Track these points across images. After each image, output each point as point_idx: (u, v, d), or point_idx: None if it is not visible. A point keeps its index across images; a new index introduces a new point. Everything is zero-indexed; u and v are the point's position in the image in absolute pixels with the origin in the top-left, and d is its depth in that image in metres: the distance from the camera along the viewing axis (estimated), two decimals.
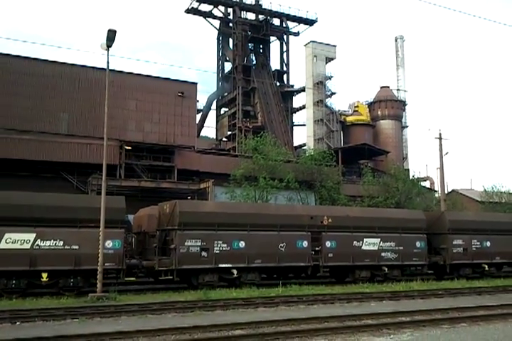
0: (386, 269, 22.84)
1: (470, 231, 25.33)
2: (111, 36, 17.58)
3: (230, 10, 65.12)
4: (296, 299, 16.01)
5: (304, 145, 65.02)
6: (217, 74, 67.61)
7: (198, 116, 57.19)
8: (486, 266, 25.52)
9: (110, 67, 18.73)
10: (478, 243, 25.51)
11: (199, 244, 19.06)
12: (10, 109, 33.11)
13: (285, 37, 67.40)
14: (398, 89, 77.10)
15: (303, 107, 67.94)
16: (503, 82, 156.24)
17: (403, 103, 75.48)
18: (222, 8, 65.13)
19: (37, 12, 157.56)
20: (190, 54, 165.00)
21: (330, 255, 21.65)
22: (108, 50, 18.05)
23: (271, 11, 64.98)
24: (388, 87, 76.08)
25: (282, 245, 20.58)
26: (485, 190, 47.54)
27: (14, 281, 16.61)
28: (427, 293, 18.19)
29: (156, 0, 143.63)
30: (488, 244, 25.76)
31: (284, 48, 67.39)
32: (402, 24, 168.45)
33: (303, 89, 66.73)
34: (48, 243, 16.94)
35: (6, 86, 33.56)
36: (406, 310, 13.61)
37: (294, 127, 68.64)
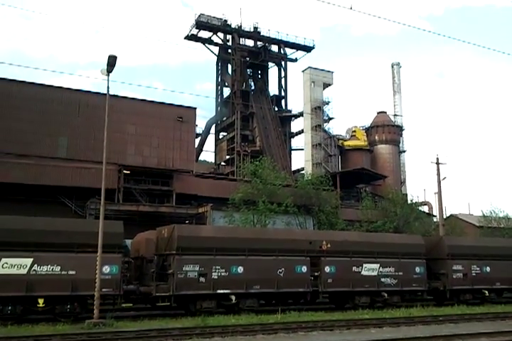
0: (386, 295, 22.62)
1: (469, 256, 25.16)
2: (111, 62, 17.82)
3: (228, 37, 66.18)
4: (296, 326, 15.73)
5: (302, 169, 65.18)
6: (216, 99, 68.29)
7: (197, 141, 57.50)
8: (487, 292, 25.28)
9: (110, 92, 18.92)
10: (478, 268, 25.32)
11: (197, 269, 18.87)
12: (9, 133, 33.24)
13: (283, 63, 68.40)
14: (395, 115, 77.75)
15: (301, 132, 68.37)
16: (499, 106, 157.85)
17: (400, 128, 76.01)
18: (221, 34, 66.21)
19: (41, 37, 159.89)
20: (189, 78, 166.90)
21: (329, 280, 21.44)
22: (108, 76, 18.26)
23: (269, 37, 66.14)
24: (385, 112, 76.78)
25: (281, 270, 20.40)
26: (483, 214, 47.44)
27: (10, 307, 16.33)
28: (427, 320, 17.93)
29: (156, 26, 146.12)
30: (488, 269, 25.57)
31: (282, 74, 68.40)
32: (398, 50, 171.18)
33: (301, 114, 67.29)
34: (44, 268, 16.77)
35: (5, 110, 33.76)
36: (406, 337, 13.43)
37: (292, 151, 68.99)
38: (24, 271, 16.53)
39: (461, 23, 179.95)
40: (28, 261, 16.65)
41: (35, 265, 16.68)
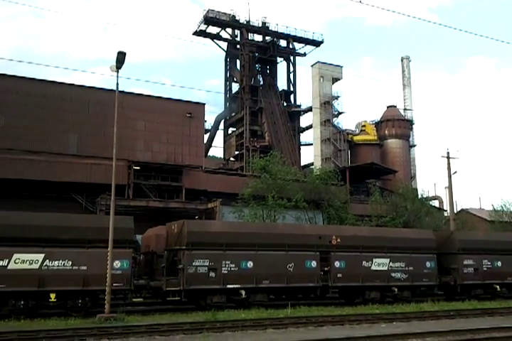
0: (396, 290, 22.55)
1: (480, 250, 25.02)
2: (120, 58, 17.85)
3: (237, 32, 66.08)
4: (305, 320, 15.79)
5: (312, 164, 65.02)
6: (225, 95, 68.27)
7: (206, 136, 57.52)
8: (498, 287, 25.12)
9: (119, 89, 18.98)
10: (489, 263, 25.16)
11: (207, 264, 18.95)
12: (19, 130, 33.45)
13: (292, 58, 68.21)
14: (405, 109, 77.21)
15: (310, 127, 68.21)
16: (510, 99, 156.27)
17: (410, 122, 75.49)
18: (229, 30, 66.15)
19: (50, 34, 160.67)
20: (197, 74, 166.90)
21: (339, 275, 21.43)
22: (117, 72, 18.29)
23: (277, 32, 65.99)
24: (395, 106, 76.27)
25: (291, 265, 20.42)
26: (494, 209, 47.11)
27: (22, 302, 16.53)
28: (438, 314, 17.88)
29: (164, 23, 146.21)
30: (500, 264, 25.41)
31: (291, 69, 68.19)
32: (408, 44, 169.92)
33: (310, 109, 67.10)
34: (56, 263, 16.93)
35: (16, 108, 33.94)
36: (417, 332, 13.38)
37: (302, 146, 68.87)
38: (36, 266, 16.69)
39: (471, 15, 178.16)
40: (40, 256, 16.80)
41: (47, 260, 16.83)
